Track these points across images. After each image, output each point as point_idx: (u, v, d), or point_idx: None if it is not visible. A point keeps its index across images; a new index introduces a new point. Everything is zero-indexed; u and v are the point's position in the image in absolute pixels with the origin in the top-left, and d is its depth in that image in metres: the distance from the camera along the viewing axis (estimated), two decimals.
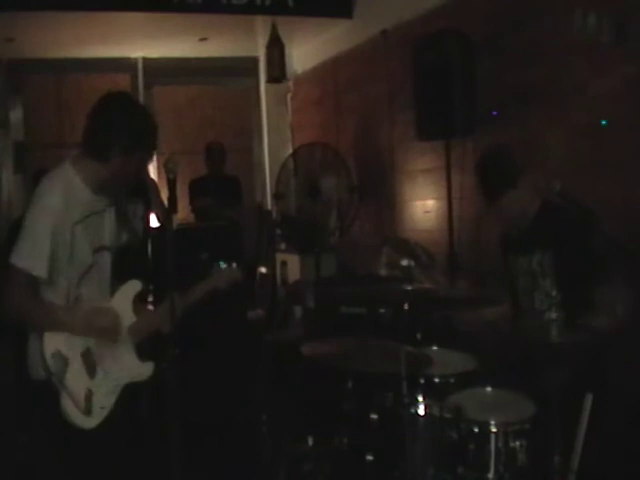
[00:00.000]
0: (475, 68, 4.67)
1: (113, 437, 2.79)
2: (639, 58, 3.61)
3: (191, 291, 3.06)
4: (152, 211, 5.53)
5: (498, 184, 3.20)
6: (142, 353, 2.96)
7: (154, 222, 5.64)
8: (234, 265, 3.11)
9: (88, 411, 2.73)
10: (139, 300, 3.03)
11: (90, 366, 2.77)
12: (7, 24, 6.07)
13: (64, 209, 2.74)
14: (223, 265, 3.09)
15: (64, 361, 2.71)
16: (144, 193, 5.45)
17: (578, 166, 4.01)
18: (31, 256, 2.68)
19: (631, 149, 3.71)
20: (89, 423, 2.73)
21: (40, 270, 2.69)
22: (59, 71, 7.70)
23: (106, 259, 2.97)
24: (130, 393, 2.89)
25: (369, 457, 2.90)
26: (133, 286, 3.02)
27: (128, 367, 2.90)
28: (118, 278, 3.18)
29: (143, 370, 2.95)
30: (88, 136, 2.84)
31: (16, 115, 7.66)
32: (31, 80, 7.79)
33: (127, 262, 5.05)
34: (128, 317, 2.95)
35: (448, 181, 4.97)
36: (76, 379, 2.73)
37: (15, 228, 6.03)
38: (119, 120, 2.83)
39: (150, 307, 3.15)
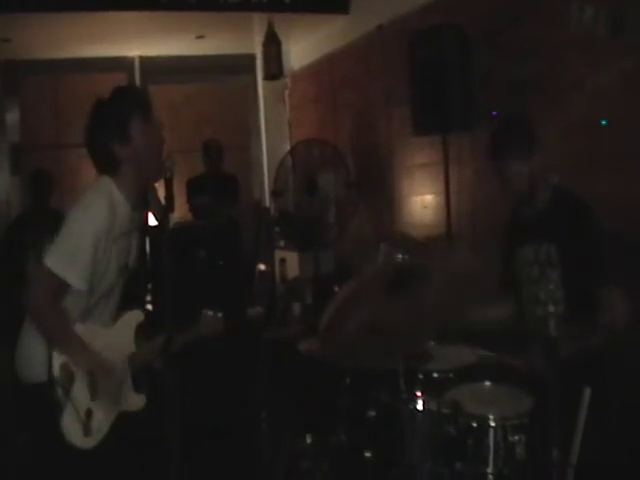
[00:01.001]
0: (472, 63, 4.66)
1: (105, 461, 2.77)
2: (636, 52, 3.60)
3: (175, 340, 3.03)
4: (150, 210, 5.53)
5: (512, 148, 3.16)
6: (137, 384, 2.95)
7: (152, 221, 5.65)
8: (219, 315, 3.11)
9: (87, 431, 2.72)
10: (140, 331, 3.01)
11: (93, 386, 2.76)
12: (3, 25, 6.06)
13: (109, 224, 2.74)
14: (209, 312, 3.09)
15: (71, 375, 2.70)
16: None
17: (575, 161, 4.00)
18: (72, 265, 2.66)
19: (628, 144, 3.70)
20: (86, 443, 2.72)
21: (78, 281, 2.67)
22: (55, 72, 7.69)
23: (122, 281, 2.97)
24: (125, 422, 2.88)
25: (367, 453, 2.90)
26: (135, 316, 3.01)
27: (124, 396, 2.89)
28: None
29: (136, 401, 2.94)
30: (93, 160, 2.84)
31: (12, 116, 7.64)
32: (27, 81, 7.78)
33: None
34: (129, 346, 2.93)
35: (446, 176, 4.96)
36: (79, 396, 2.72)
37: (14, 227, 6.05)
38: (119, 114, 2.81)
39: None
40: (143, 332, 3.01)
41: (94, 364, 2.76)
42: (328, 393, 3.29)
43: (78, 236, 2.69)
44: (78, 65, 7.57)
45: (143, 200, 2.99)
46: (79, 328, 2.76)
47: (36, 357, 2.74)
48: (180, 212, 6.71)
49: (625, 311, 2.88)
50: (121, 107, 2.84)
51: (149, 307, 5.23)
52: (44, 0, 5.49)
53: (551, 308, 2.76)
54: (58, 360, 2.68)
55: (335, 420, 3.13)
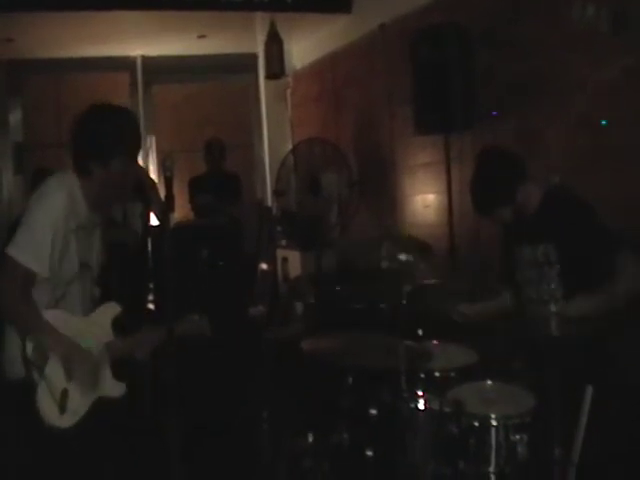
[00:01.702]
0: (474, 62, 4.66)
1: (84, 442, 2.79)
2: (638, 50, 3.59)
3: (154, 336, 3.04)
4: (151, 209, 5.53)
5: (491, 202, 3.19)
6: (117, 372, 2.97)
7: (154, 221, 5.66)
8: (204, 320, 3.12)
9: (62, 409, 2.74)
10: (117, 322, 3.03)
11: (68, 370, 2.78)
12: (6, 25, 6.08)
13: (66, 213, 2.77)
14: (195, 317, 3.11)
15: (44, 356, 2.72)
16: (143, 192, 5.45)
17: (577, 159, 4.00)
18: (33, 251, 2.69)
19: (630, 142, 3.69)
20: (62, 422, 2.73)
21: (40, 266, 2.70)
22: (58, 71, 7.70)
23: (87, 277, 2.98)
24: (105, 404, 2.89)
25: (369, 452, 2.89)
26: (112, 308, 3.02)
27: (101, 382, 2.91)
28: (119, 277, 3.19)
29: (115, 388, 2.95)
30: (71, 154, 2.87)
31: (15, 116, 7.67)
32: (30, 81, 7.79)
33: (127, 261, 5.07)
34: (106, 335, 2.95)
35: (448, 175, 4.97)
36: (54, 375, 2.73)
37: (15, 228, 6.06)
38: (91, 134, 2.85)
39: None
40: (121, 324, 3.03)
41: (66, 347, 2.77)
42: (330, 392, 3.29)
43: (37, 222, 2.73)
44: (81, 64, 7.58)
45: (107, 204, 3.04)
46: (49, 314, 2.78)
47: (16, 353, 2.75)
48: (182, 211, 6.71)
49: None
50: (111, 138, 2.86)
51: (151, 306, 5.24)
52: (47, 0, 5.50)
53: (553, 308, 2.76)
54: (31, 342, 2.70)
55: (337, 419, 3.12)
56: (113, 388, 2.95)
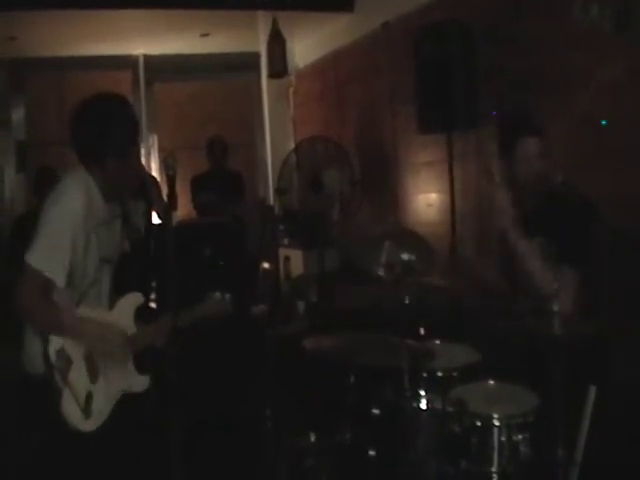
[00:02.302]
0: (476, 60, 4.65)
1: (109, 442, 2.78)
2: None
3: (181, 317, 3.02)
4: (153, 208, 5.54)
5: (527, 125, 3.23)
6: (140, 365, 2.96)
7: (156, 219, 5.66)
8: (227, 296, 3.10)
9: (87, 413, 2.72)
10: (140, 312, 3.02)
11: (92, 369, 2.77)
12: (9, 23, 6.07)
13: (85, 214, 2.72)
14: (217, 294, 3.09)
15: (67, 359, 2.70)
16: (145, 190, 5.46)
17: (580, 157, 3.99)
18: (50, 259, 2.65)
19: (633, 141, 3.69)
20: (87, 426, 2.72)
21: (58, 275, 2.66)
22: (61, 69, 7.70)
23: (108, 271, 2.97)
24: (129, 401, 2.89)
25: (372, 452, 2.89)
26: (135, 298, 3.01)
27: (126, 376, 2.90)
28: (121, 277, 3.18)
29: (139, 382, 2.95)
30: (78, 144, 2.84)
31: (18, 114, 7.68)
32: (33, 78, 7.80)
33: (129, 259, 5.06)
34: (129, 328, 2.94)
35: (450, 174, 4.96)
36: (78, 379, 2.72)
37: (19, 224, 6.06)
38: (102, 124, 2.81)
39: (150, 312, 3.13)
40: (143, 315, 3.02)
41: (97, 339, 2.77)
42: (332, 391, 3.29)
43: (54, 227, 2.68)
44: (83, 63, 7.59)
45: (124, 192, 3.00)
46: (77, 310, 2.78)
47: (36, 349, 2.74)
48: (185, 210, 6.71)
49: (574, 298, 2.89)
50: (116, 127, 2.83)
51: (153, 305, 5.24)
52: None
53: (556, 307, 2.76)
54: (54, 346, 2.68)
55: (339, 418, 3.13)
56: (137, 382, 2.94)
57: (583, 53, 3.92)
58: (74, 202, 2.70)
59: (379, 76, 6.19)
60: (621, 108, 3.76)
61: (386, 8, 5.93)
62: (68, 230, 2.67)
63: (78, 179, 2.79)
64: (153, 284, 5.23)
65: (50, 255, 2.65)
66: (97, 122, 2.81)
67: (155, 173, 7.55)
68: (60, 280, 2.66)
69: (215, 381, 4.54)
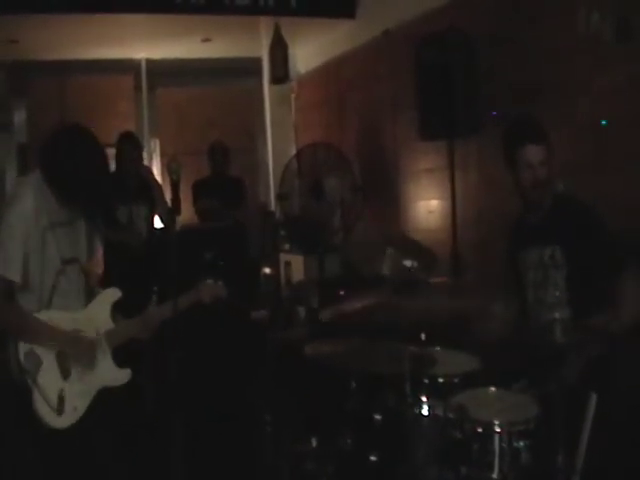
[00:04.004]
0: (478, 67, 4.67)
1: (86, 438, 2.82)
2: None
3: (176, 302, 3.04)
4: (156, 212, 5.55)
5: (532, 132, 3.22)
6: (120, 359, 2.97)
7: (158, 223, 5.67)
8: (220, 283, 3.13)
9: (60, 411, 2.75)
10: (118, 307, 3.04)
11: (64, 367, 2.81)
12: (11, 26, 6.09)
13: (36, 213, 2.77)
14: (209, 281, 3.11)
15: (37, 360, 2.74)
16: (148, 194, 5.47)
17: (582, 165, 4.01)
18: (4, 259, 2.71)
19: (635, 147, 3.70)
20: (61, 423, 2.76)
21: (14, 274, 2.71)
22: (62, 73, 7.71)
23: (76, 271, 2.97)
24: (106, 396, 2.91)
25: (373, 457, 2.90)
26: (112, 294, 3.04)
27: (103, 372, 2.92)
28: (122, 279, 3.19)
29: (119, 376, 2.98)
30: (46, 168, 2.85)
31: (20, 117, 7.69)
32: (35, 82, 7.80)
33: (131, 263, 5.08)
34: (105, 323, 2.97)
35: (452, 181, 4.97)
36: (49, 379, 2.76)
37: None
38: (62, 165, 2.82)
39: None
40: (122, 309, 3.05)
41: (63, 343, 2.80)
42: (334, 396, 3.29)
43: (6, 230, 2.74)
44: (85, 67, 7.59)
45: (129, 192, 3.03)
46: (43, 315, 2.80)
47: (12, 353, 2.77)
48: (187, 214, 6.71)
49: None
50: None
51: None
52: (51, 2, 5.52)
53: (557, 314, 2.77)
54: (23, 348, 2.73)
55: (340, 423, 3.13)
56: (116, 376, 2.97)
57: (585, 61, 3.94)
58: (23, 203, 2.76)
59: (380, 83, 6.21)
60: (622, 114, 3.77)
61: (387, 15, 5.95)
62: (18, 230, 2.73)
63: (29, 181, 2.84)
64: (155, 288, 5.24)
65: (4, 256, 2.71)
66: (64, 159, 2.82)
67: (157, 177, 7.55)
68: (16, 277, 2.72)
69: (216, 385, 4.55)
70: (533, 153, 3.18)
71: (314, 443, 3.11)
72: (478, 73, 4.66)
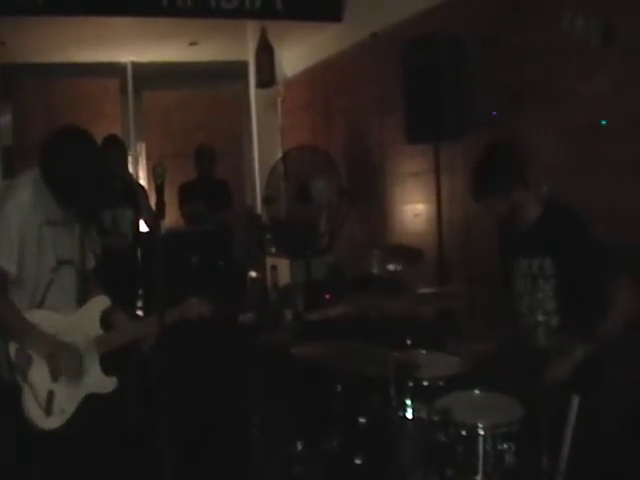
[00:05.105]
0: (465, 71, 4.68)
1: (73, 441, 2.81)
2: (628, 60, 3.63)
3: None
4: (141, 216, 5.54)
5: (489, 185, 3.13)
6: (107, 367, 2.97)
7: (143, 227, 5.66)
8: (203, 300, 3.14)
9: (48, 411, 2.75)
10: (107, 315, 3.03)
11: (53, 369, 2.79)
12: None
13: (34, 206, 2.77)
14: (193, 300, 3.12)
15: (28, 358, 2.74)
16: (132, 198, 5.46)
17: (567, 168, 4.03)
18: (1, 251, 2.70)
19: (620, 151, 3.72)
20: (49, 424, 2.76)
21: (9, 264, 2.71)
22: (49, 75, 7.69)
23: (70, 273, 2.97)
24: (94, 401, 2.91)
25: (358, 460, 2.90)
26: (100, 302, 3.04)
27: (91, 378, 2.92)
28: (107, 282, 3.19)
29: (105, 383, 2.98)
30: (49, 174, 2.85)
31: (5, 119, 7.65)
32: (21, 84, 7.78)
33: (116, 267, 5.06)
34: (94, 330, 2.97)
35: (438, 184, 4.98)
36: (39, 378, 2.75)
37: None
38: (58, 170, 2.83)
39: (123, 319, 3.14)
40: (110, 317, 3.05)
41: (49, 345, 2.78)
42: (319, 399, 3.30)
43: (3, 221, 2.73)
44: (71, 70, 7.57)
45: (114, 196, 3.03)
46: (34, 314, 2.80)
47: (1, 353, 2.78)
48: (172, 218, 6.70)
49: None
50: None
51: (140, 313, 5.23)
52: (38, 4, 5.50)
53: (540, 317, 2.78)
54: (14, 345, 2.72)
55: (326, 427, 3.13)
56: (103, 384, 2.96)
57: (573, 64, 3.96)
58: (21, 195, 2.77)
59: (367, 86, 6.22)
60: (608, 119, 3.79)
61: (374, 18, 5.96)
62: (15, 222, 2.72)
63: (29, 177, 2.83)
64: (140, 291, 5.24)
65: (0, 247, 2.70)
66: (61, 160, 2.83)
67: (142, 181, 7.54)
68: (12, 268, 2.71)
69: (202, 388, 4.54)
70: (490, 206, 3.17)
71: (300, 446, 3.11)
72: (465, 76, 4.68)
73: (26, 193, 2.77)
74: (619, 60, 3.67)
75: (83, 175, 2.83)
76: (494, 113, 4.58)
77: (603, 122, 3.83)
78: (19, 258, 2.73)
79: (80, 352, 2.88)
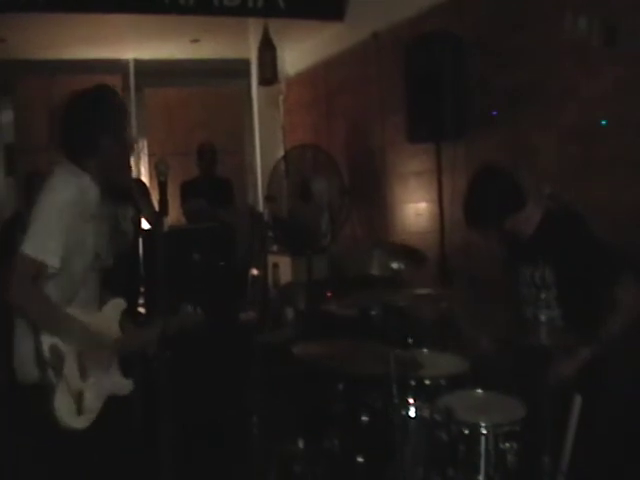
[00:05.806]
0: (466, 71, 4.68)
1: (98, 442, 2.78)
2: (629, 60, 3.62)
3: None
4: (142, 213, 5.53)
5: (480, 220, 3.14)
6: (125, 369, 2.96)
7: (145, 225, 5.65)
8: (198, 309, 3.13)
9: (80, 410, 2.72)
10: (125, 317, 3.02)
11: (82, 368, 2.77)
12: None
13: (78, 203, 2.72)
14: (189, 308, 3.12)
15: (61, 355, 2.69)
16: (134, 195, 5.45)
17: (568, 168, 4.03)
18: (44, 243, 2.64)
19: (621, 151, 3.72)
20: (79, 423, 2.72)
21: (52, 259, 2.64)
22: (50, 72, 7.68)
23: (96, 272, 2.95)
24: (116, 403, 2.89)
25: (360, 459, 2.91)
26: (119, 304, 3.01)
27: (112, 379, 2.90)
28: (110, 281, 3.18)
29: (123, 385, 2.95)
30: (70, 137, 2.84)
31: (7, 117, 7.64)
32: (22, 81, 7.77)
33: (117, 264, 5.05)
34: (115, 331, 2.94)
35: (439, 184, 4.98)
36: (71, 376, 2.71)
37: (7, 228, 6.03)
38: (96, 110, 2.87)
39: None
40: (131, 319, 3.03)
41: (89, 341, 2.76)
42: (321, 398, 3.30)
43: (47, 215, 2.68)
44: (73, 66, 7.56)
45: (115, 194, 3.01)
46: (68, 311, 2.76)
47: (26, 353, 2.72)
48: (174, 215, 6.70)
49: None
50: (112, 110, 2.86)
51: (142, 310, 5.23)
52: (39, 1, 5.49)
53: (542, 317, 2.78)
54: (47, 342, 2.67)
55: (328, 425, 3.13)
56: (122, 386, 2.94)
57: (574, 64, 3.96)
58: (66, 191, 2.71)
59: (369, 85, 6.22)
60: (609, 119, 3.79)
61: (376, 17, 5.96)
62: (58, 216, 2.67)
63: (70, 171, 2.79)
64: (142, 289, 5.23)
65: (44, 240, 2.65)
66: (91, 109, 2.86)
67: (144, 178, 7.53)
68: (55, 262, 2.65)
69: (203, 387, 4.54)
70: (482, 236, 3.18)
71: (301, 444, 3.11)
72: (466, 76, 4.68)
73: (70, 190, 2.71)
74: (619, 60, 3.67)
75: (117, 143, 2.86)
76: (495, 112, 4.57)
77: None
78: (63, 253, 2.68)
79: (104, 353, 2.87)
